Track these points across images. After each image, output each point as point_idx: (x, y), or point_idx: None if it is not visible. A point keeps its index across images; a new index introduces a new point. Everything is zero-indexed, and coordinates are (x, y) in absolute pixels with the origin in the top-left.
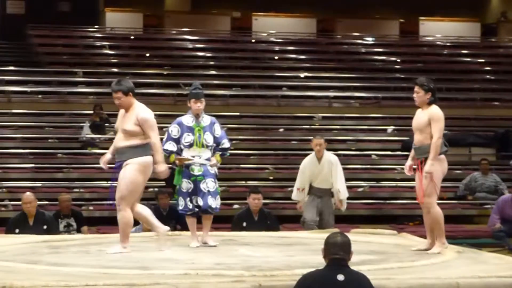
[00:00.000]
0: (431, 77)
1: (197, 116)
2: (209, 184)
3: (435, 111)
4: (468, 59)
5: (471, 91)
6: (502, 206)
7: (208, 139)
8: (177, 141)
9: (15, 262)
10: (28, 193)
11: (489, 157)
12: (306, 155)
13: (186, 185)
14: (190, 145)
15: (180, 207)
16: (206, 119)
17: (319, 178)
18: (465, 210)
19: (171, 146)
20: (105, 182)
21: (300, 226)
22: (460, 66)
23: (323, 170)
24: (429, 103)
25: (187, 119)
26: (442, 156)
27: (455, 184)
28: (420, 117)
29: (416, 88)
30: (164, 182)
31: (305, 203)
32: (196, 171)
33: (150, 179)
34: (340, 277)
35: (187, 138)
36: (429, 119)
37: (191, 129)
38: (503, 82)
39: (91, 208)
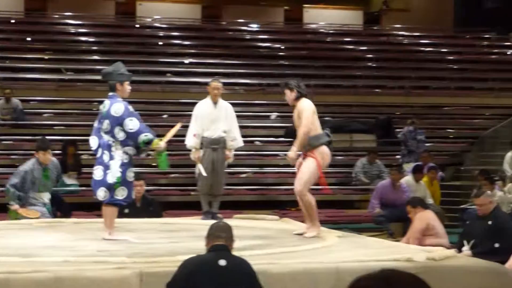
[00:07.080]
0: (314, 64)
1: None
2: None
3: (302, 105)
4: (351, 47)
5: (354, 78)
6: (381, 191)
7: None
8: None
9: None
10: None
11: (370, 143)
12: None
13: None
14: None
15: (124, 197)
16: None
17: (214, 124)
18: (346, 196)
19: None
20: None
21: (184, 211)
22: (343, 53)
23: (220, 114)
24: (297, 99)
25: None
26: (323, 148)
27: (337, 170)
28: (294, 114)
29: (284, 91)
30: None
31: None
32: None
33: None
34: (222, 262)
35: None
36: (298, 114)
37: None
38: (385, 70)
39: None
